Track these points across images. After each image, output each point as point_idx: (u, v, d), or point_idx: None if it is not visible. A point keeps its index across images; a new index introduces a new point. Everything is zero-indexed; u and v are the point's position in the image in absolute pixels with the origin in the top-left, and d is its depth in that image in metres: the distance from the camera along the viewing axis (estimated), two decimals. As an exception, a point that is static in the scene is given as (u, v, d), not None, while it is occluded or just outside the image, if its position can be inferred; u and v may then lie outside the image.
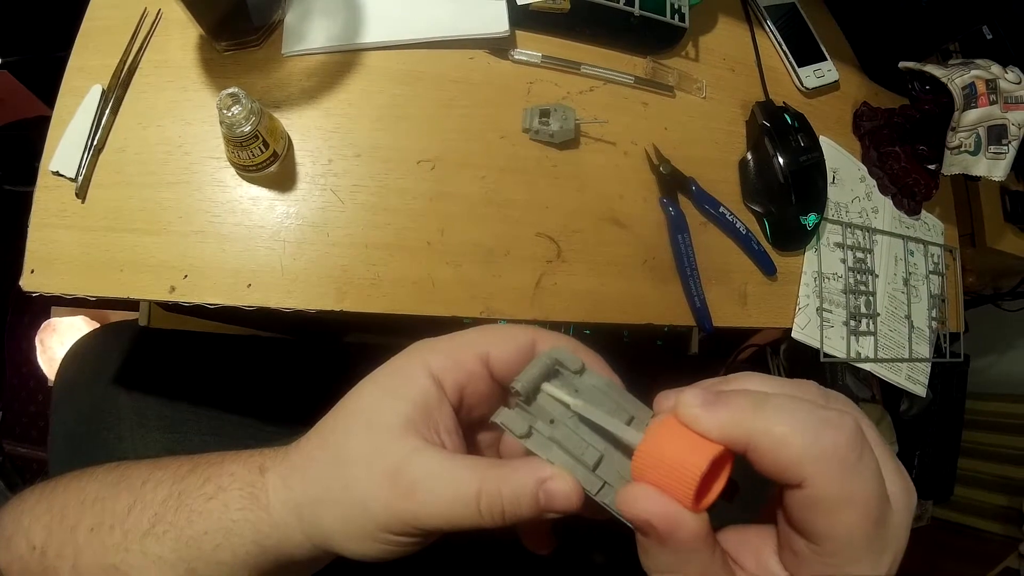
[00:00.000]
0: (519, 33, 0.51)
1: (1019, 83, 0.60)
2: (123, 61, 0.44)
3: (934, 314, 0.67)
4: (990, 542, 1.23)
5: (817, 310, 0.57)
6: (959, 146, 0.61)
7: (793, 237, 0.56)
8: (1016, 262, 0.88)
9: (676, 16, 0.52)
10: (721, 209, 0.52)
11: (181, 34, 0.45)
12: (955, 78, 0.58)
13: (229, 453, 0.30)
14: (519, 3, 0.49)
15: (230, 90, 0.38)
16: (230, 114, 0.38)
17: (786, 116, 0.55)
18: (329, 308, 0.43)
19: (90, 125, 0.42)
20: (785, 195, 0.54)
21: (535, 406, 0.26)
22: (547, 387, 0.26)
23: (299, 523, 0.27)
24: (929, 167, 0.65)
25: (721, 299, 0.52)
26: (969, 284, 1.01)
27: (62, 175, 0.41)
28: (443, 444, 0.27)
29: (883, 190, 0.66)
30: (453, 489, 0.25)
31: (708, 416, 0.20)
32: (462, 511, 0.24)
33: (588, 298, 0.48)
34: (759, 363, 1.23)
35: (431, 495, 0.25)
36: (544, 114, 0.48)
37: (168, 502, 0.29)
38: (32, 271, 0.39)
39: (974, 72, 0.59)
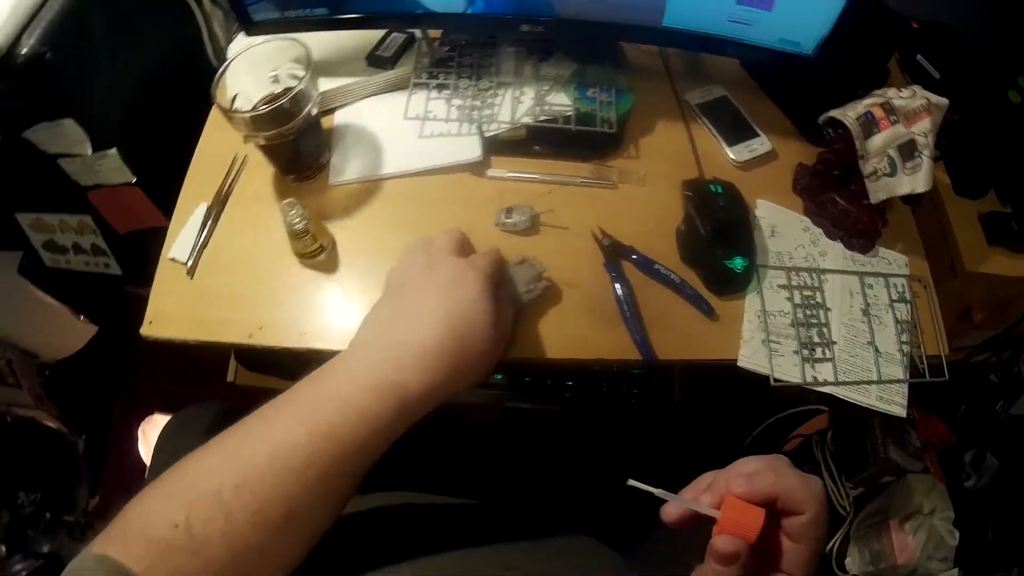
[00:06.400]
0: (492, 157, 0.70)
1: (912, 96, 0.64)
2: (221, 189, 0.67)
3: (904, 338, 0.67)
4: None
5: (763, 342, 0.62)
6: (875, 172, 0.64)
7: (727, 282, 0.63)
8: (1017, 285, 0.86)
9: (606, 125, 0.68)
10: (656, 266, 0.64)
11: (261, 171, 0.69)
12: (849, 112, 0.63)
13: (311, 380, 0.44)
14: (487, 135, 0.68)
15: (288, 199, 0.58)
16: (291, 214, 0.58)
17: (710, 185, 0.65)
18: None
19: (198, 230, 0.63)
20: (709, 246, 0.62)
21: None
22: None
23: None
24: (868, 202, 0.67)
25: (666, 339, 0.61)
26: (979, 321, 0.96)
27: (177, 260, 0.62)
28: None
29: (830, 235, 0.70)
30: None
31: (753, 490, 0.36)
32: None
33: (544, 341, 0.61)
34: (805, 452, 1.17)
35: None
36: (509, 211, 0.66)
37: (291, 422, 0.40)
38: (151, 322, 0.58)
39: (867, 101, 0.63)
